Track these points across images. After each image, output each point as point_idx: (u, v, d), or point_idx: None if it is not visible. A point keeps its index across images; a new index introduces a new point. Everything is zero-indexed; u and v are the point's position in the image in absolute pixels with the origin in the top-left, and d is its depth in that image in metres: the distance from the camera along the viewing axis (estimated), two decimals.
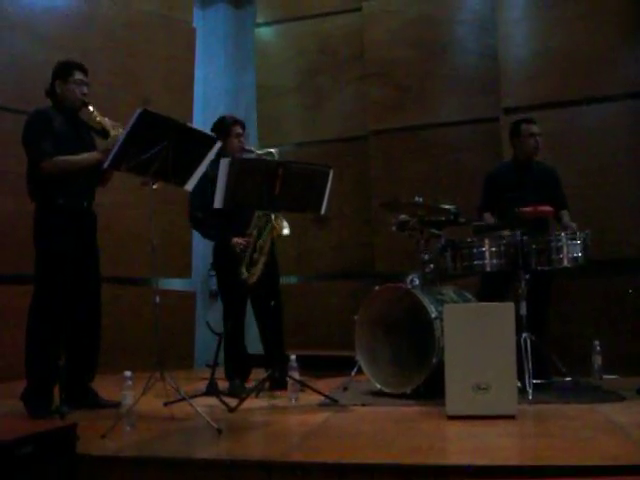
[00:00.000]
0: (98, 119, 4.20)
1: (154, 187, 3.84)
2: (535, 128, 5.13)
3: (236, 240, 4.76)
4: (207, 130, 4.01)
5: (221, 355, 4.80)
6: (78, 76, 4.26)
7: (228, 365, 4.96)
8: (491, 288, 5.01)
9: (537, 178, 5.15)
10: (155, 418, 3.91)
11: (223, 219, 4.77)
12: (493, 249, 4.67)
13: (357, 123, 6.94)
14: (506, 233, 4.67)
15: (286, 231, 4.69)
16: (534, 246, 4.59)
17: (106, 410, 4.15)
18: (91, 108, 4.22)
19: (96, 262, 4.38)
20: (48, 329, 4.05)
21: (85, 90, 4.27)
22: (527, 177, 5.14)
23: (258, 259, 4.68)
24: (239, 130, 5.03)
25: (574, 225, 4.83)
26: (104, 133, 4.19)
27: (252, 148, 4.96)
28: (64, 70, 4.25)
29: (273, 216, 4.61)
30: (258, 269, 4.65)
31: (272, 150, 4.77)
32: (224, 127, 4.97)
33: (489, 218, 5.09)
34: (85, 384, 4.31)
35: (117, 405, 4.05)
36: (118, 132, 4.10)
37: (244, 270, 4.69)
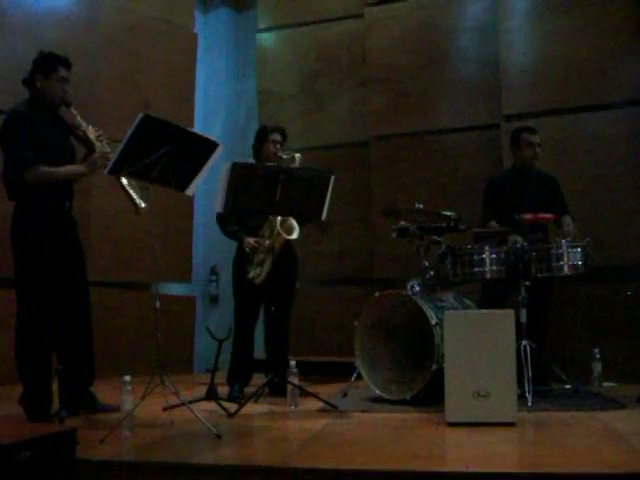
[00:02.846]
0: (81, 123, 4.14)
1: (149, 189, 3.83)
2: (535, 138, 5.13)
3: (248, 240, 4.81)
4: (208, 135, 3.99)
5: (221, 360, 4.78)
6: (61, 73, 4.12)
7: (231, 368, 4.97)
8: (491, 295, 5.02)
9: (536, 185, 5.15)
10: (154, 423, 3.91)
11: (242, 218, 4.84)
12: (493, 256, 4.67)
13: (358, 129, 6.95)
14: (513, 238, 4.67)
15: (294, 234, 4.71)
16: (534, 253, 4.59)
17: (105, 415, 4.14)
18: (73, 110, 4.14)
19: (81, 261, 4.33)
20: (37, 333, 4.01)
21: (67, 88, 4.14)
22: (525, 184, 5.14)
23: (264, 260, 4.71)
24: (277, 137, 5.07)
25: (574, 231, 4.82)
26: (86, 140, 4.15)
27: (282, 154, 4.94)
28: (47, 64, 4.11)
29: (279, 220, 4.63)
30: (264, 270, 4.71)
31: (296, 155, 4.83)
32: (263, 133, 5.09)
33: (495, 226, 5.08)
34: (83, 387, 4.27)
35: (116, 409, 4.07)
36: (103, 145, 4.08)
37: (251, 270, 4.72)
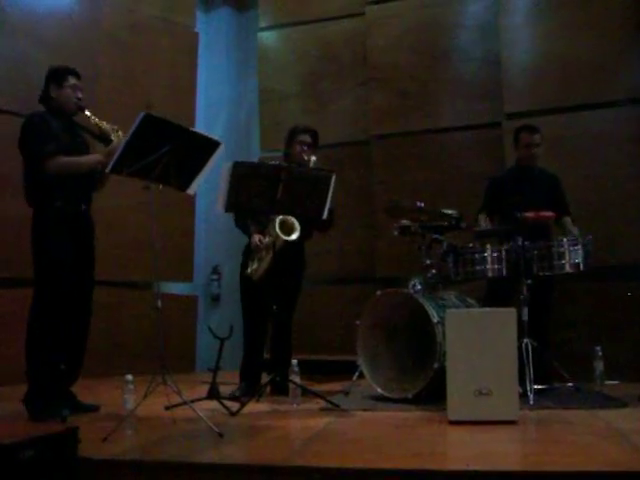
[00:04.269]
0: (97, 123, 4.21)
1: (151, 189, 3.84)
2: (534, 138, 5.12)
3: (254, 237, 4.83)
4: (210, 134, 4.00)
5: (223, 358, 4.78)
6: (72, 81, 4.25)
7: (241, 365, 4.98)
8: (493, 293, 5.03)
9: (537, 184, 5.15)
10: (156, 422, 3.91)
11: (255, 215, 4.85)
12: (495, 254, 4.68)
13: (359, 128, 6.95)
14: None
15: (293, 236, 4.69)
16: (536, 252, 4.59)
17: (107, 413, 4.15)
18: (88, 113, 4.23)
19: (92, 265, 4.37)
20: (49, 332, 4.04)
21: (80, 95, 4.27)
22: (527, 183, 5.14)
23: (263, 258, 4.72)
24: (306, 138, 5.06)
25: (576, 231, 4.83)
26: (103, 137, 4.22)
27: (305, 157, 4.92)
28: (58, 75, 4.24)
29: (279, 220, 4.61)
30: (261, 267, 4.73)
31: (312, 157, 4.85)
32: (292, 133, 5.10)
33: (483, 220, 5.10)
34: (66, 387, 4.28)
35: (97, 409, 4.20)
36: (118, 136, 4.14)
37: (250, 266, 4.75)
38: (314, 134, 5.11)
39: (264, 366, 5.08)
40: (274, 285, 4.58)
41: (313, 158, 4.83)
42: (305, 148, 5.01)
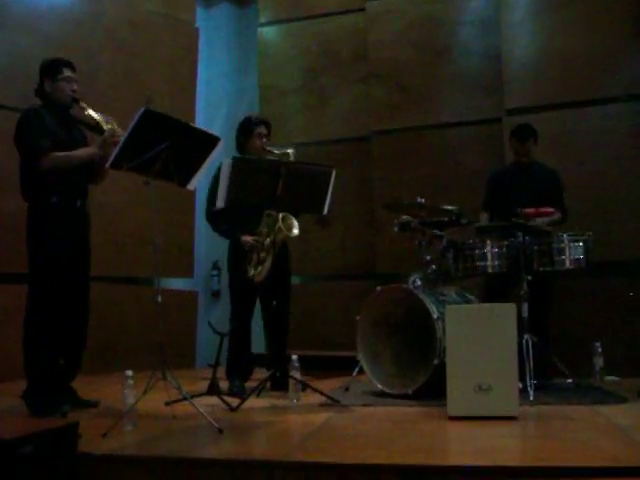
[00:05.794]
0: (91, 114, 4.20)
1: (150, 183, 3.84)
2: (523, 147, 5.13)
3: (245, 238, 4.75)
4: (210, 130, 3.99)
5: (223, 354, 4.78)
6: (66, 73, 4.23)
7: (230, 364, 4.95)
8: (493, 289, 5.02)
9: (535, 180, 5.16)
10: (156, 417, 3.91)
11: (237, 217, 4.79)
12: (495, 250, 4.68)
13: (360, 124, 6.95)
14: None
15: (295, 231, 4.67)
16: (536, 247, 4.60)
17: (107, 409, 4.16)
18: (83, 104, 4.22)
19: (87, 260, 4.36)
20: (46, 328, 4.05)
21: (74, 87, 4.25)
22: (525, 178, 5.15)
23: (265, 258, 4.68)
24: (263, 130, 5.03)
25: (557, 216, 4.87)
26: (98, 128, 4.20)
27: (272, 149, 4.84)
28: (52, 68, 4.22)
29: (281, 216, 4.60)
30: (265, 268, 4.66)
31: (289, 151, 4.71)
32: (248, 126, 5.04)
33: (484, 220, 5.10)
34: (66, 383, 4.30)
35: (96, 404, 4.21)
36: (113, 125, 4.14)
37: (251, 268, 4.70)
38: (268, 125, 5.09)
39: (254, 362, 5.09)
40: (273, 283, 4.58)
41: (291, 151, 4.73)
42: (265, 140, 4.99)
